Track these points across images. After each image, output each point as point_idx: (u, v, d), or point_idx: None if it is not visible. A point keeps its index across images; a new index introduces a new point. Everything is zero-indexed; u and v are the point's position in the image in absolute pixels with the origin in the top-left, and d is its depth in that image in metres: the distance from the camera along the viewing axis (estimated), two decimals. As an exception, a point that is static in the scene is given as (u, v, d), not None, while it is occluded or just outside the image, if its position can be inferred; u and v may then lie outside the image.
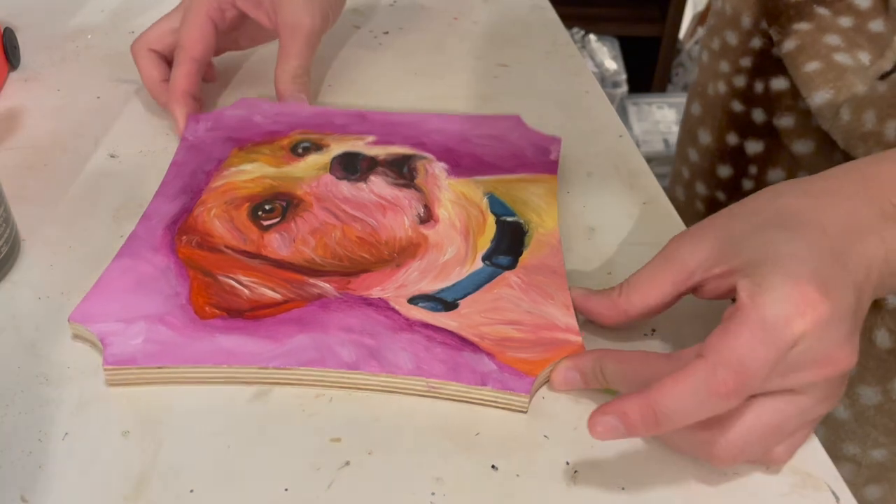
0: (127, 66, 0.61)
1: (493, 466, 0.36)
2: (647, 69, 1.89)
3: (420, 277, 0.43)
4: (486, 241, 0.46)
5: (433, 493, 0.35)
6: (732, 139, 0.65)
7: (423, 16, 0.70)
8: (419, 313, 0.41)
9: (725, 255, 0.35)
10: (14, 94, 0.59)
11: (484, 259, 0.45)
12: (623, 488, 0.35)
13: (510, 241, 0.46)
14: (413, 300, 0.42)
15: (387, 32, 0.67)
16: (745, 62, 0.63)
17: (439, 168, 0.51)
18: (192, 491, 0.35)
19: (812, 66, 0.54)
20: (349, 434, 0.37)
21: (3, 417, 0.37)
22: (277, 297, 0.42)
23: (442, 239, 0.46)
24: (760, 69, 0.62)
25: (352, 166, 0.50)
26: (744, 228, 0.36)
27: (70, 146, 0.54)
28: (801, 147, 0.60)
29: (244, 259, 0.44)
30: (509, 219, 0.47)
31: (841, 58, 0.53)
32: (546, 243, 0.46)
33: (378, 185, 0.49)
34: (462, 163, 0.51)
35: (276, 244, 0.45)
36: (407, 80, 0.62)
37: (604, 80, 1.80)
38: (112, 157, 0.53)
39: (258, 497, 0.35)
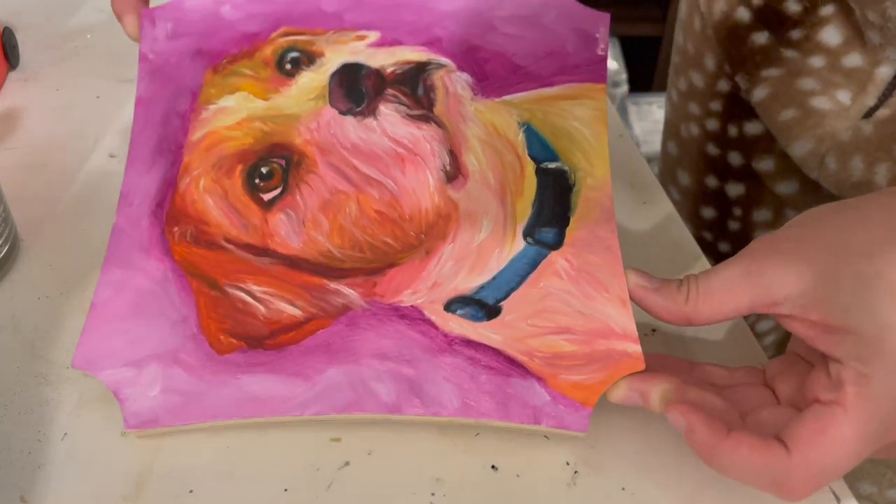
0: (127, 65, 0.60)
1: (493, 466, 0.36)
2: (647, 69, 1.89)
3: (455, 270, 0.38)
4: (525, 204, 0.39)
5: (433, 494, 0.35)
6: (712, 182, 0.62)
7: (423, 15, 0.70)
8: (458, 326, 0.37)
9: (826, 302, 0.31)
10: (13, 93, 0.59)
11: (525, 235, 0.38)
12: (623, 488, 0.35)
13: (554, 204, 0.39)
14: (450, 307, 0.37)
15: (387, 32, 0.67)
16: (715, 106, 0.59)
17: (461, 83, 0.41)
18: (191, 491, 0.35)
19: (788, 113, 0.51)
20: (349, 434, 0.37)
21: (3, 417, 0.37)
22: (297, 313, 0.37)
23: (474, 205, 0.39)
24: (732, 113, 0.58)
25: (355, 90, 0.41)
26: (851, 272, 0.31)
27: (69, 146, 0.54)
28: (785, 188, 0.58)
29: (251, 258, 0.38)
30: (551, 165, 0.39)
31: (818, 102, 0.49)
32: (596, 203, 0.39)
33: (391, 121, 0.40)
34: (488, 70, 0.41)
35: (284, 230, 0.39)
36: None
37: (604, 79, 1.80)
38: (112, 157, 0.53)
39: (258, 497, 0.35)
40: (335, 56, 0.42)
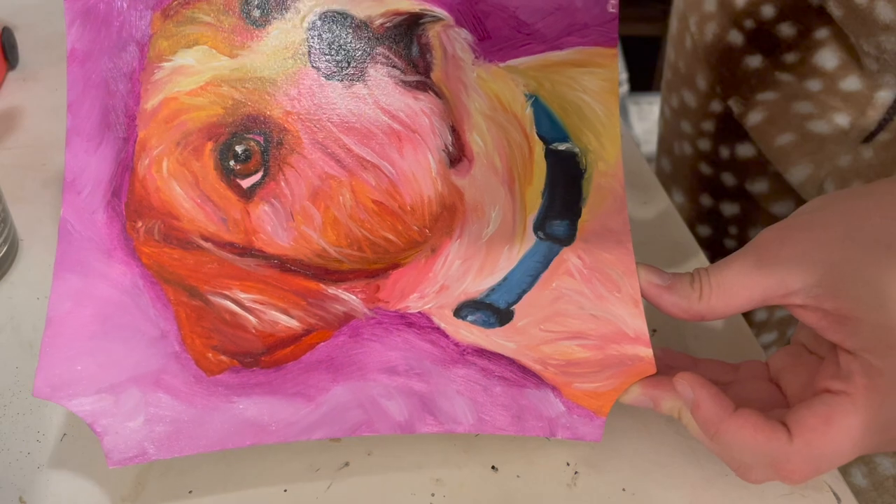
0: (126, 65, 0.60)
1: (493, 467, 0.36)
2: (647, 69, 1.89)
3: (463, 271, 0.36)
4: (535, 193, 0.37)
5: (433, 494, 0.35)
6: (706, 200, 0.61)
7: (422, 15, 0.70)
8: (469, 333, 0.35)
9: (842, 291, 0.31)
10: (12, 93, 0.58)
11: (536, 229, 0.36)
12: (623, 489, 0.35)
13: (565, 192, 0.37)
14: (460, 312, 0.35)
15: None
16: (707, 126, 0.58)
17: (461, 43, 0.36)
18: (190, 492, 0.35)
19: (785, 138, 0.50)
20: (348, 435, 0.37)
21: (2, 418, 0.37)
22: (294, 324, 0.34)
23: (481, 194, 0.36)
24: (724, 134, 0.57)
25: (339, 48, 0.35)
26: (867, 261, 0.31)
27: (69, 146, 0.54)
28: (781, 208, 0.56)
29: (234, 259, 0.34)
30: (562, 147, 0.37)
31: (816, 126, 0.48)
32: (608, 191, 0.37)
33: (383, 89, 0.35)
34: (490, 26, 0.37)
35: (270, 225, 0.34)
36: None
37: (604, 79, 1.80)
38: (111, 156, 0.53)
39: (257, 498, 0.34)
40: (311, 1, 0.35)
